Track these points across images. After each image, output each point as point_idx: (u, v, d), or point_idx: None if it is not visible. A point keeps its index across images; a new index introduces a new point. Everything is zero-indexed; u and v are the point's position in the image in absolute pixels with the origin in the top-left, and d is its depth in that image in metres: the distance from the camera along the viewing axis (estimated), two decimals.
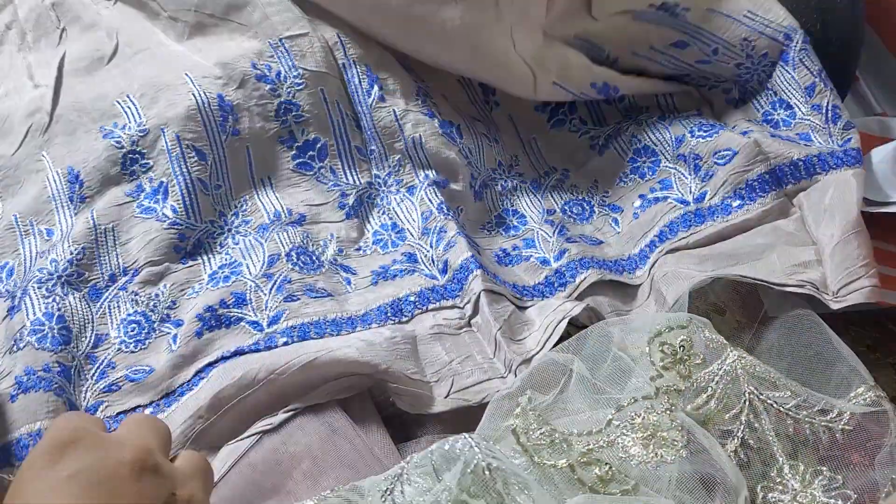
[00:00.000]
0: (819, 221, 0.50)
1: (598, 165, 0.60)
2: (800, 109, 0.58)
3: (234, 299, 0.49)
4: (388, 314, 0.50)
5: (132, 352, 0.48)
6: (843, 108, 0.56)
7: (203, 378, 0.45)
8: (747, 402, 0.38)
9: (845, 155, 0.54)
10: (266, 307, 0.49)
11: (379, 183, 0.57)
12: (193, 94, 0.53)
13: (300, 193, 0.55)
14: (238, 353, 0.45)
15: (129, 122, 0.54)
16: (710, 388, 0.38)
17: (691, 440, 0.35)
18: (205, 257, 0.52)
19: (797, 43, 0.58)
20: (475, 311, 0.49)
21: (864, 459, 0.38)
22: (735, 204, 0.53)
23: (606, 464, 0.35)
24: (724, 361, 0.39)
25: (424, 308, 0.50)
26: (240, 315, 0.48)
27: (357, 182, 0.57)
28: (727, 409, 0.38)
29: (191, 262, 0.52)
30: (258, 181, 0.55)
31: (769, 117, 0.59)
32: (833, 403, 0.39)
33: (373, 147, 0.57)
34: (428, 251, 0.54)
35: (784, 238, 0.50)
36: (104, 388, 0.46)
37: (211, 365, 0.46)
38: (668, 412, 0.36)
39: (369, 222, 0.56)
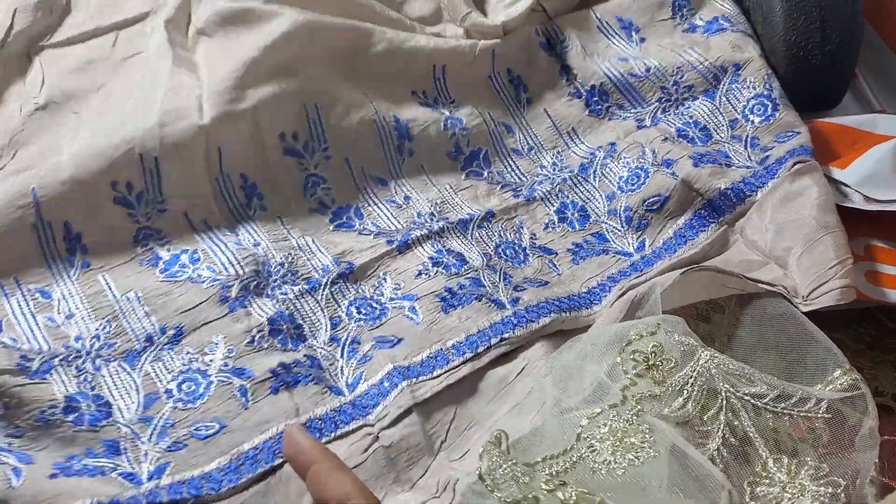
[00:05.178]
0: (769, 240, 0.50)
1: (523, 210, 0.57)
2: (717, 134, 0.59)
3: (103, 448, 0.42)
4: None
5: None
6: (762, 138, 0.58)
7: None
8: (725, 401, 0.39)
9: (767, 172, 0.55)
10: (145, 458, 0.42)
11: (268, 272, 0.51)
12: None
13: (172, 302, 0.48)
14: None
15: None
16: (685, 391, 0.39)
17: (660, 441, 0.36)
18: (57, 378, 0.44)
19: (724, 84, 0.61)
20: (393, 423, 0.43)
21: (846, 445, 0.38)
22: (677, 243, 0.54)
23: (570, 487, 0.34)
24: (696, 363, 0.39)
25: (332, 434, 0.43)
26: (113, 465, 0.41)
27: (240, 273, 0.49)
28: (705, 410, 0.39)
29: (39, 381, 0.43)
30: (121, 300, 0.48)
31: (683, 133, 0.60)
32: (810, 392, 0.39)
33: (258, 242, 0.52)
34: (336, 361, 0.47)
35: (738, 269, 0.49)
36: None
37: None
38: (634, 416, 0.37)
39: (262, 310, 0.48)
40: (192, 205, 0.52)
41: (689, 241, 0.53)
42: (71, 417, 0.42)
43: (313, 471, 0.36)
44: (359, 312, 0.49)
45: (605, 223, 0.56)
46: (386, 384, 0.44)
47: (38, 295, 0.47)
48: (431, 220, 0.55)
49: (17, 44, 0.61)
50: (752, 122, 0.59)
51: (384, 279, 0.51)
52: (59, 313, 0.47)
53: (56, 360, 0.44)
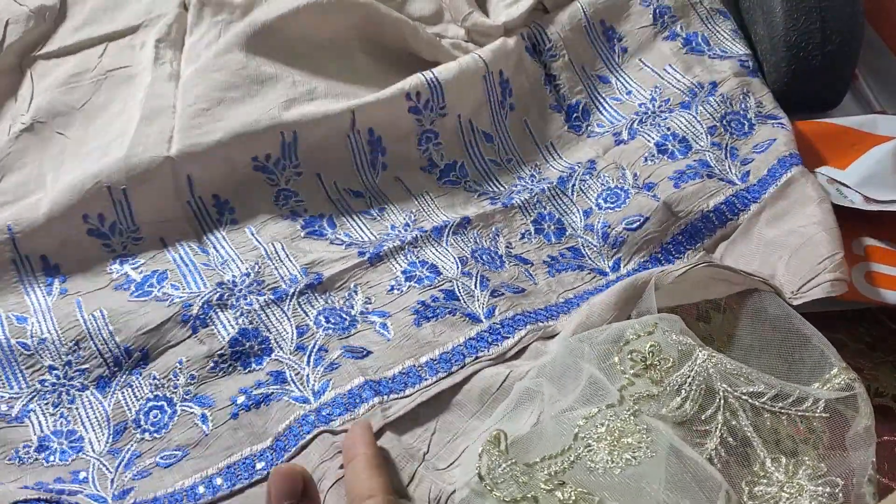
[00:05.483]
0: (759, 256, 0.50)
1: (500, 217, 0.57)
2: (697, 143, 0.59)
3: (72, 477, 0.42)
4: (254, 467, 0.42)
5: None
6: (740, 148, 0.59)
7: None
8: (723, 401, 0.38)
9: (748, 193, 0.55)
10: (111, 485, 0.42)
11: (233, 282, 0.50)
12: None
13: (135, 320, 0.48)
14: None
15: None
16: (683, 391, 0.39)
17: (657, 441, 0.35)
18: (35, 420, 0.45)
19: (699, 97, 0.61)
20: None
21: (843, 445, 0.38)
22: (653, 268, 0.52)
23: (569, 487, 0.34)
24: (694, 362, 0.39)
25: (294, 448, 0.42)
26: (79, 488, 0.42)
27: (201, 289, 0.49)
28: (703, 410, 0.38)
29: (17, 424, 0.45)
30: (88, 320, 0.48)
31: (662, 147, 0.59)
32: (807, 392, 0.39)
33: (225, 260, 0.51)
34: (302, 369, 0.46)
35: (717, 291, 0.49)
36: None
37: None
38: (632, 416, 0.36)
39: (225, 328, 0.48)
40: (166, 229, 0.52)
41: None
42: (43, 455, 0.43)
43: (352, 464, 0.38)
44: (327, 322, 0.48)
45: (582, 237, 0.56)
46: (354, 398, 0.44)
47: (13, 320, 0.48)
48: (405, 230, 0.54)
49: (10, 57, 0.61)
50: (731, 133, 0.60)
51: (355, 292, 0.50)
52: (31, 338, 0.47)
53: (33, 401, 0.45)
